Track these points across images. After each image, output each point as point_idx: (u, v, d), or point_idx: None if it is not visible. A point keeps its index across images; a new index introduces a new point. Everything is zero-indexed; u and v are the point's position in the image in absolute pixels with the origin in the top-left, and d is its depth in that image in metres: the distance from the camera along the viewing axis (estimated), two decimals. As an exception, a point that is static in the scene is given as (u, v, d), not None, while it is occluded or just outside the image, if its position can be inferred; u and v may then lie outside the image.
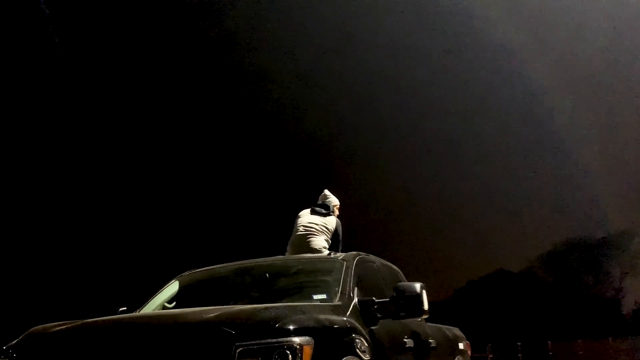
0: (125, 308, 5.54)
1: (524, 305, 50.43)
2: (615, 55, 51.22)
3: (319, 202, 7.35)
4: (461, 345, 7.56)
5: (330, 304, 4.72)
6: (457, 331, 7.76)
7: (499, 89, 56.10)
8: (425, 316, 5.13)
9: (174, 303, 5.63)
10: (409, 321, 5.65)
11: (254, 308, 4.01)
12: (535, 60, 53.42)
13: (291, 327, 3.71)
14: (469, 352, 7.86)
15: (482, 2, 49.30)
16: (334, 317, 4.33)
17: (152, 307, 5.57)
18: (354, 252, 5.76)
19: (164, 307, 5.55)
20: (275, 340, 3.61)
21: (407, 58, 54.39)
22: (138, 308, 5.57)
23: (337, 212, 7.44)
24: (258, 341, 3.58)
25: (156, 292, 5.79)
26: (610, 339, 38.24)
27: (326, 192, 7.48)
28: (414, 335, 5.72)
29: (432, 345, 6.20)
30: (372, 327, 4.79)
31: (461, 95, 56.70)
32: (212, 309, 4.06)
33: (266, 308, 3.98)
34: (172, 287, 5.83)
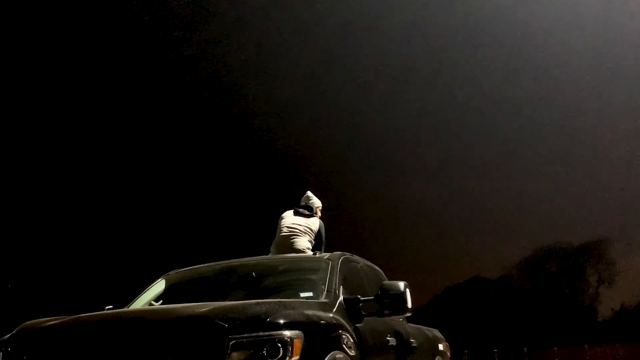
0: (111, 306, 5.65)
1: (501, 312, 50.96)
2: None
3: (302, 203, 7.54)
4: (441, 347, 7.78)
5: (317, 301, 4.91)
6: (436, 332, 7.98)
7: (481, 99, 56.81)
8: (408, 314, 5.34)
9: (161, 301, 5.78)
10: (391, 320, 5.86)
11: (246, 303, 4.21)
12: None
13: (282, 322, 3.90)
14: (449, 354, 8.09)
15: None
16: (322, 314, 4.52)
17: (139, 305, 5.71)
18: (339, 252, 5.96)
19: (151, 305, 5.69)
20: (267, 333, 3.79)
21: (397, 68, 55.00)
22: (125, 306, 5.70)
23: (319, 214, 7.63)
24: (250, 334, 3.76)
25: (143, 291, 5.93)
26: (586, 346, 38.84)
27: (309, 193, 7.66)
28: (396, 334, 5.94)
29: (413, 344, 6.41)
30: (357, 325, 4.99)
31: (445, 104, 57.39)
32: (205, 304, 4.24)
33: (258, 303, 4.17)
34: (159, 286, 5.98)
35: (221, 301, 4.92)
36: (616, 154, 55.64)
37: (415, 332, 6.83)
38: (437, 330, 8.13)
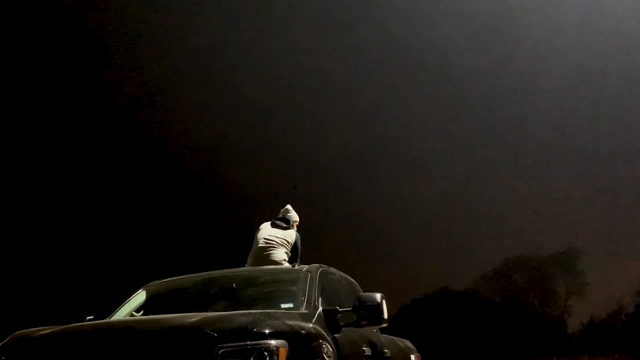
0: (92, 317, 5.91)
1: (469, 324, 51.65)
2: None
3: (280, 215, 7.86)
4: (413, 358, 8.19)
5: (297, 312, 5.25)
6: (408, 343, 8.39)
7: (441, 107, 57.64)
8: (384, 325, 5.70)
9: (142, 312, 6.06)
10: (367, 331, 6.24)
11: (234, 313, 4.53)
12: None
13: (267, 331, 4.22)
14: (420, 364, 8.53)
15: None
16: (303, 324, 4.82)
17: (121, 315, 5.97)
18: (317, 264, 6.30)
19: (132, 316, 5.97)
20: (254, 342, 4.11)
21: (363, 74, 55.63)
22: (106, 317, 5.96)
23: (295, 228, 7.97)
24: (238, 343, 4.09)
25: (124, 301, 6.19)
26: (554, 359, 39.64)
27: (288, 207, 7.99)
28: (371, 344, 6.31)
29: (387, 355, 6.79)
30: (335, 335, 5.31)
31: (412, 112, 58.15)
32: (194, 314, 4.56)
33: (244, 314, 4.49)
34: (139, 297, 6.24)
35: (204, 312, 5.24)
36: (583, 165, 56.87)
37: (389, 343, 7.22)
38: (409, 341, 8.54)
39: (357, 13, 51.13)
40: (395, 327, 7.32)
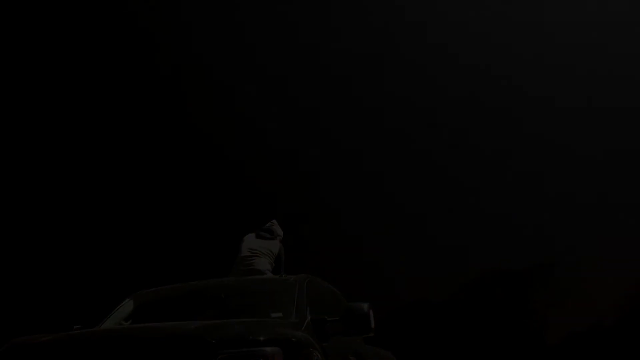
0: (79, 325, 6.20)
1: (446, 337, 52.20)
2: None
3: (265, 227, 8.30)
4: (395, 368, 8.63)
5: (287, 320, 5.63)
6: (391, 355, 8.81)
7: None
8: (371, 334, 6.10)
9: (130, 321, 6.38)
10: (352, 341, 6.64)
11: (230, 322, 4.93)
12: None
13: (262, 338, 4.59)
14: (401, 376, 8.95)
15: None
16: (295, 332, 5.22)
17: (110, 325, 6.29)
18: (304, 274, 6.69)
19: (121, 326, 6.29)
20: (250, 349, 4.49)
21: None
22: (96, 325, 6.25)
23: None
24: (236, 350, 4.47)
25: (112, 310, 6.50)
26: (533, 372, 40.26)
27: (274, 221, 8.44)
28: (356, 354, 6.71)
29: (371, 364, 7.22)
30: (324, 344, 5.70)
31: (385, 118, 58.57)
32: (193, 322, 4.93)
33: (240, 322, 4.90)
34: (128, 306, 6.56)
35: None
36: (561, 174, 57.82)
37: (372, 352, 7.63)
38: (389, 352, 8.95)
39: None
40: (368, 340, 7.70)
